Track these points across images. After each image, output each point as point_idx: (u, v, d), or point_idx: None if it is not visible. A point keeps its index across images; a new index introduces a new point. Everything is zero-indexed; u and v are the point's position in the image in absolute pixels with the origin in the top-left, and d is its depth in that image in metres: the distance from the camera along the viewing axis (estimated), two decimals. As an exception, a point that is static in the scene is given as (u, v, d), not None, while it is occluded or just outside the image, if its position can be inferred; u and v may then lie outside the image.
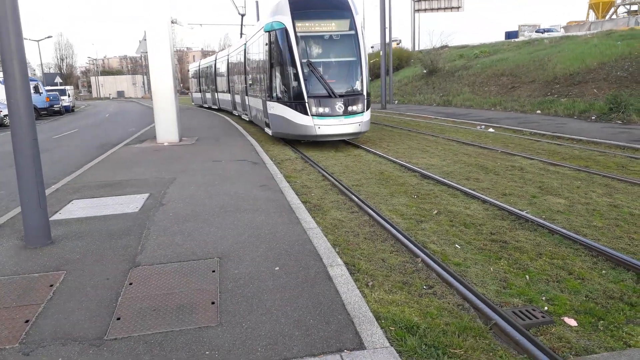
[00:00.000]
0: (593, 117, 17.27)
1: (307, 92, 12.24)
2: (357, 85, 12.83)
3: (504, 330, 3.53)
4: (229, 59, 24.48)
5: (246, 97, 19.71)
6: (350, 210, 6.92)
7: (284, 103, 12.84)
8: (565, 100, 20.29)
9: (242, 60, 19.78)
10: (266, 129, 15.17)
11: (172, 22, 17.03)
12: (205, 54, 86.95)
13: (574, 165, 9.73)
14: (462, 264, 4.90)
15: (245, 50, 19.13)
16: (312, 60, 12.50)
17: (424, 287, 4.38)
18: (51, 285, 4.24)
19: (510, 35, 45.48)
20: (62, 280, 4.35)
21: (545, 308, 3.96)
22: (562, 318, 3.80)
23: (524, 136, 14.67)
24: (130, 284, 4.25)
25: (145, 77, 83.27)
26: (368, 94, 12.81)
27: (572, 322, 3.73)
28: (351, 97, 12.49)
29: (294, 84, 12.42)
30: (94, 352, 3.21)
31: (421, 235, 5.82)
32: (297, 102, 12.40)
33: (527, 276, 4.59)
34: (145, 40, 14.43)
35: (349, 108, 12.36)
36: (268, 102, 14.01)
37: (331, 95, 12.28)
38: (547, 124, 16.47)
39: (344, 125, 12.38)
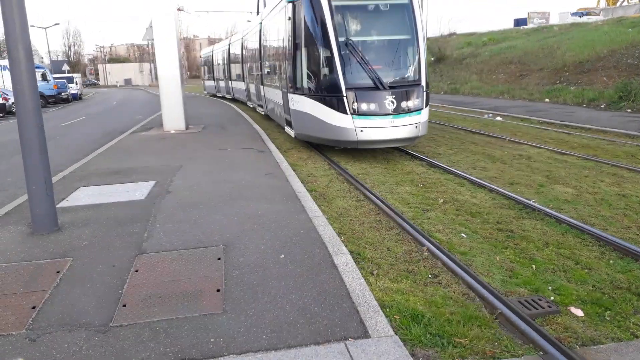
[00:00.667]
0: (602, 106, 17.07)
1: (346, 82, 9.14)
2: (413, 73, 9.74)
3: (509, 319, 3.51)
4: (242, 42, 21.87)
5: (261, 87, 16.76)
6: (356, 199, 6.90)
7: (313, 96, 9.83)
8: (574, 89, 20.05)
9: (257, 42, 16.78)
10: (287, 129, 12.20)
11: (179, 10, 16.93)
12: (211, 41, 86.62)
13: (582, 154, 9.63)
14: (467, 253, 4.88)
15: (260, 29, 16.08)
16: (353, 39, 9.37)
17: (429, 276, 4.37)
18: (58, 272, 4.27)
19: (519, 22, 44.85)
20: (68, 267, 4.37)
21: (552, 298, 3.94)
22: (568, 308, 3.77)
23: (532, 125, 14.53)
24: (136, 271, 4.27)
25: (152, 65, 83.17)
26: (427, 85, 9.74)
27: (579, 312, 3.71)
28: (405, 89, 9.36)
29: (327, 70, 9.39)
30: (100, 338, 3.23)
31: (427, 224, 5.79)
32: (330, 95, 9.35)
33: (533, 266, 4.56)
34: (152, 27, 14.37)
35: (403, 104, 9.22)
36: (290, 95, 11.03)
37: (378, 86, 9.15)
38: (555, 113, 16.30)
39: (396, 127, 9.19)
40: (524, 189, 7.21)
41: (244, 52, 21.74)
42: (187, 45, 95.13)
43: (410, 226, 5.52)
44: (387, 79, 9.37)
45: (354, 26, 9.76)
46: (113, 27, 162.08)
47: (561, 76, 22.11)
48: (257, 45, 16.98)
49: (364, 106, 9.12)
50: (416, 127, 9.43)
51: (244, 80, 22.62)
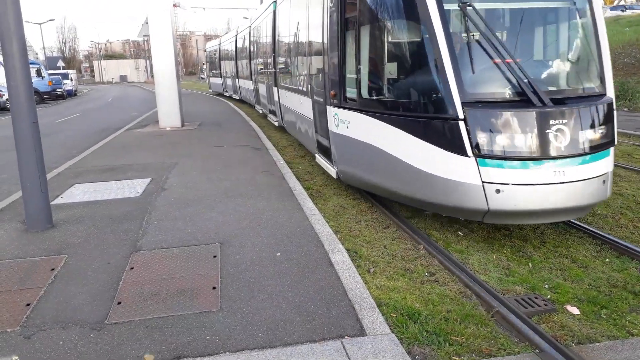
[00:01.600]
0: (599, 105, 17.11)
1: (462, 91, 4.58)
2: (592, 75, 5.14)
3: (506, 318, 3.51)
4: (250, 30, 17.51)
5: (275, 90, 12.38)
6: (352, 197, 6.89)
7: (384, 116, 5.35)
8: (570, 88, 20.08)
9: (270, 27, 12.46)
10: (319, 158, 7.81)
11: (175, 6, 16.81)
12: (208, 38, 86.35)
13: (578, 152, 9.64)
14: (464, 252, 4.88)
15: (275, 10, 11.79)
16: (476, 5, 4.78)
17: (426, 274, 4.36)
18: (52, 269, 4.24)
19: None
20: (63, 264, 4.35)
21: (548, 296, 3.94)
22: (564, 306, 3.78)
23: (529, 123, 14.53)
24: (132, 268, 4.25)
25: (148, 61, 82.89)
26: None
27: (575, 311, 3.71)
28: (583, 107, 4.67)
29: (419, 66, 5.06)
30: (95, 336, 3.21)
31: (423, 222, 5.79)
32: (426, 115, 4.91)
33: (530, 264, 4.57)
34: (147, 23, 14.30)
35: (580, 137, 4.58)
36: (332, 109, 6.53)
37: (531, 99, 4.53)
38: (552, 111, 16.31)
39: (569, 185, 4.48)
40: (520, 188, 7.21)
41: (251, 44, 17.44)
42: (183, 42, 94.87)
43: (406, 225, 5.51)
44: (546, 85, 4.91)
45: None
46: (108, 23, 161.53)
47: (557, 75, 22.14)
48: (269, 32, 12.67)
49: (502, 140, 4.51)
50: (604, 181, 4.77)
51: (251, 79, 17.95)
